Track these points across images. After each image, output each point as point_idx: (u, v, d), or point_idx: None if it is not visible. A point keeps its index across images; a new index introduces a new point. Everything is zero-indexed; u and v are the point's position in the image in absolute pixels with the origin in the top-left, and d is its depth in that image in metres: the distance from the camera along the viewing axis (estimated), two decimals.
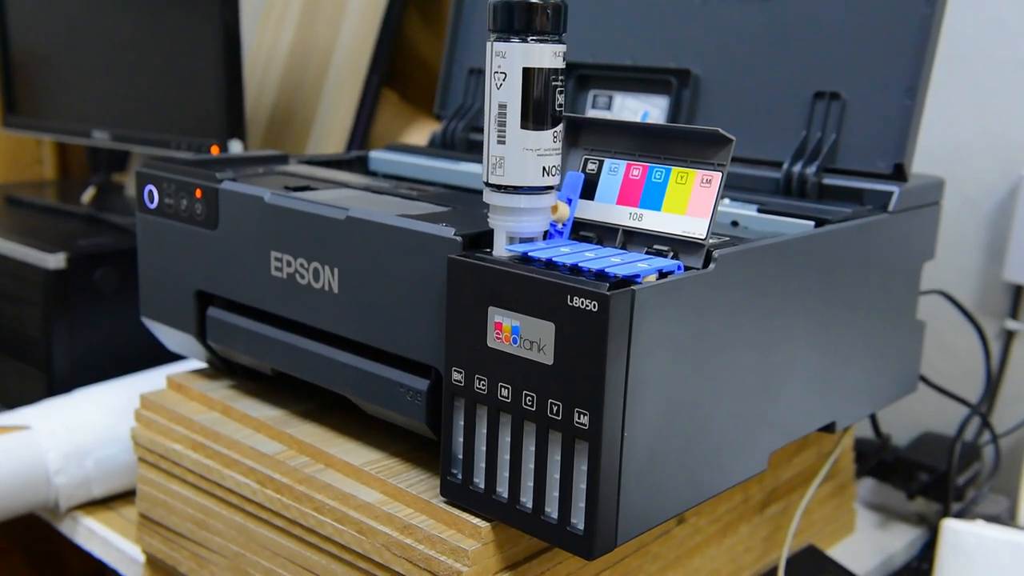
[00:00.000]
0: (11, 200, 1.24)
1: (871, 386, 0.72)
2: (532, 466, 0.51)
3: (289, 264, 0.64)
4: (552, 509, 0.51)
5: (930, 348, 0.87)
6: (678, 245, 0.54)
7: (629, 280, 0.48)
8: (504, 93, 0.52)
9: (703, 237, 0.53)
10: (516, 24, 0.51)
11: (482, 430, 0.53)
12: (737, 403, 0.58)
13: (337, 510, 0.59)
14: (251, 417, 0.68)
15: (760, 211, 0.67)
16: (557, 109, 0.53)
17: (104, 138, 1.20)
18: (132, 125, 1.17)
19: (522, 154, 0.52)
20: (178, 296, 0.72)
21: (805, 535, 0.79)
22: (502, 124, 0.52)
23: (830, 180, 0.70)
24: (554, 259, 0.50)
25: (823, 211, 0.65)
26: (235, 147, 1.05)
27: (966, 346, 0.94)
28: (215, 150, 1.06)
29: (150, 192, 0.73)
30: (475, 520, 0.55)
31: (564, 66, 0.53)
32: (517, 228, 0.53)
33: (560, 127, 0.53)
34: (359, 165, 0.86)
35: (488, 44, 0.52)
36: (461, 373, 0.53)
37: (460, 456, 0.54)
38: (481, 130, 0.87)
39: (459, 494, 0.55)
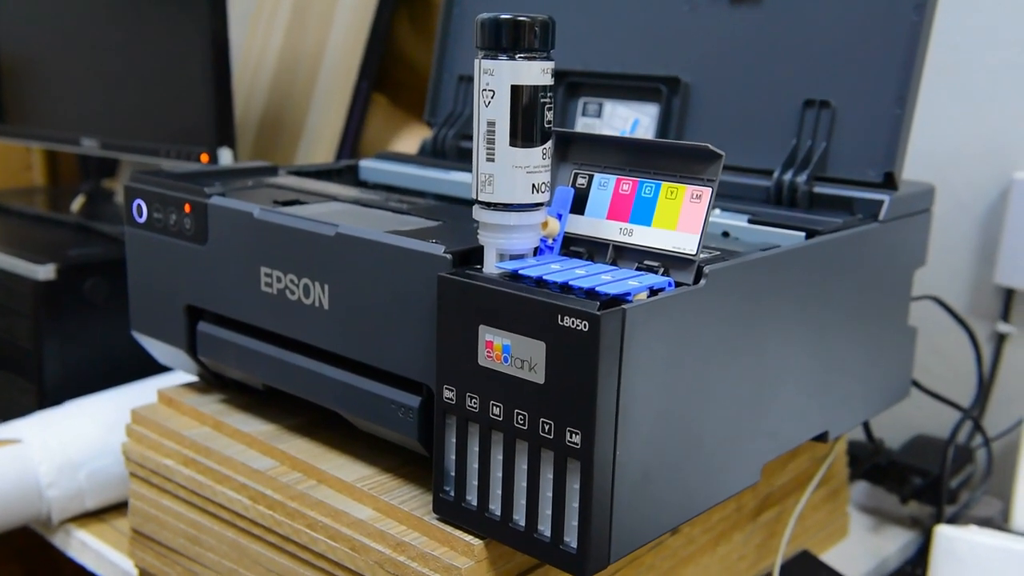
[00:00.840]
0: (0, 209, 1.24)
1: (864, 394, 0.72)
2: (524, 484, 0.51)
3: (279, 280, 0.64)
4: (545, 527, 0.51)
5: (922, 351, 0.87)
6: (669, 261, 0.54)
7: (620, 298, 0.48)
8: (493, 111, 0.52)
9: (694, 253, 0.53)
10: (504, 42, 0.51)
11: (474, 448, 0.53)
12: (730, 417, 0.58)
13: (330, 527, 0.59)
14: (243, 432, 0.68)
15: (751, 222, 0.66)
16: (546, 126, 0.52)
17: (93, 146, 1.19)
18: (121, 133, 1.17)
19: (511, 171, 0.52)
20: (168, 311, 0.72)
21: (799, 540, 0.80)
22: (491, 142, 0.52)
23: (820, 188, 0.70)
24: (544, 277, 0.50)
25: (814, 221, 0.65)
26: (225, 155, 1.05)
27: (958, 349, 0.94)
28: (204, 158, 1.05)
29: (139, 206, 0.72)
30: (468, 537, 0.54)
31: (552, 83, 0.52)
32: (507, 245, 0.53)
33: (550, 143, 0.53)
34: (349, 175, 0.86)
35: (476, 61, 0.52)
36: (452, 391, 0.53)
37: (453, 473, 0.54)
38: (471, 137, 0.86)
39: (452, 511, 0.55)
